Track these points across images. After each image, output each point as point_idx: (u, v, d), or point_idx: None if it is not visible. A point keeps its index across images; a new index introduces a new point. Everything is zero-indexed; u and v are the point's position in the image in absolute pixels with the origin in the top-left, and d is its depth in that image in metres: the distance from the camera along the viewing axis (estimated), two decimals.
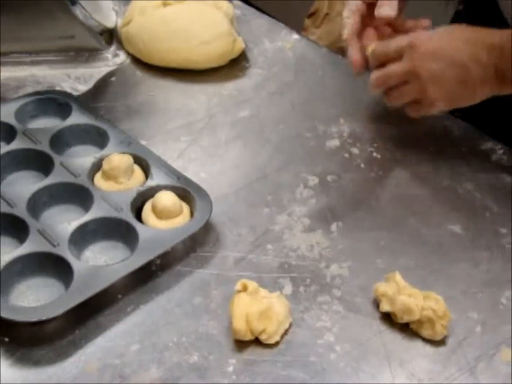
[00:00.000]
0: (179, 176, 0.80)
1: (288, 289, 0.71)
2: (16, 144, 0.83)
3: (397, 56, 0.82)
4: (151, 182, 0.79)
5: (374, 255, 0.75)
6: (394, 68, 0.82)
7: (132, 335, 0.67)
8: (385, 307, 0.68)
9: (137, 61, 1.04)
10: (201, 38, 1.01)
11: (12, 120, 0.86)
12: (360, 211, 0.81)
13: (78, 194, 0.77)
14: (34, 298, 0.68)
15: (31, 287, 0.69)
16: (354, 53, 0.87)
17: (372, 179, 0.85)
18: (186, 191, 0.78)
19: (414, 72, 0.80)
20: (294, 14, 1.84)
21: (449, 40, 0.80)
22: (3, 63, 1.01)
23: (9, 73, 1.00)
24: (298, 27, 1.38)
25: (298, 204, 0.82)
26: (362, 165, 0.87)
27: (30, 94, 0.92)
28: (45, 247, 0.70)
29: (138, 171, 0.81)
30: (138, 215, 0.76)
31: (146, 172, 0.81)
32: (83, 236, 0.73)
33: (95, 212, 0.74)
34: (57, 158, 0.81)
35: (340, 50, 1.07)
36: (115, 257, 0.72)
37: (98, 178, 0.80)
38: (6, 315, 0.64)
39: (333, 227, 0.79)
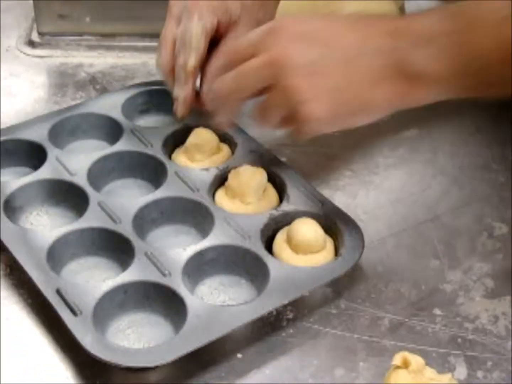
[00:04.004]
0: (323, 201, 0.67)
1: (461, 371, 0.57)
2: (122, 145, 0.72)
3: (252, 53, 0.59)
4: (287, 206, 0.67)
5: None
6: (249, 63, 0.59)
7: None
8: None
9: None
10: None
11: (118, 115, 0.75)
12: None
13: (195, 213, 0.67)
14: (136, 338, 0.58)
15: (133, 324, 0.59)
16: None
17: None
18: (332, 222, 0.65)
19: (278, 63, 0.56)
20: None
21: (329, 21, 0.59)
22: (110, 47, 0.90)
23: (116, 59, 0.89)
24: None
25: (479, 258, 0.67)
26: None
27: (140, 84, 0.80)
28: (153, 276, 0.60)
29: (271, 191, 0.69)
30: (269, 246, 0.64)
31: (281, 192, 0.69)
32: (200, 267, 0.62)
33: (216, 238, 0.63)
34: (171, 166, 0.70)
35: None
36: (237, 297, 0.61)
37: (221, 195, 0.68)
38: (100, 355, 0.53)
39: None
